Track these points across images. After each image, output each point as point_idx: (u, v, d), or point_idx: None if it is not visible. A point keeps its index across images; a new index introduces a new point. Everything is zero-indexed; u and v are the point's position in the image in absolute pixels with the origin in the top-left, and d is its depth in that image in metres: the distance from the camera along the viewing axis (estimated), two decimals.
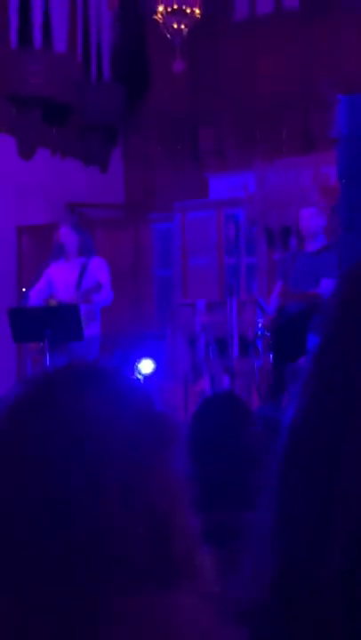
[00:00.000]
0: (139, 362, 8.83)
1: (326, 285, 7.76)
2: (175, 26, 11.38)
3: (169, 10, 11.36)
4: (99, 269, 8.24)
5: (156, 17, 11.51)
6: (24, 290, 8.18)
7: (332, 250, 8.28)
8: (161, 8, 11.39)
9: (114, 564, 1.15)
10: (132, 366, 8.70)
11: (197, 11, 11.44)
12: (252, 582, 0.82)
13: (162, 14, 11.41)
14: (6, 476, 1.18)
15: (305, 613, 0.77)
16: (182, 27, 11.39)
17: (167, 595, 1.16)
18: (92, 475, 1.16)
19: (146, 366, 8.82)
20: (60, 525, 1.15)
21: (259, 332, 8.40)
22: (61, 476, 1.16)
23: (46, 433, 1.18)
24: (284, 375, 7.79)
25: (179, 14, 11.36)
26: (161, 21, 11.46)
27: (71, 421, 1.19)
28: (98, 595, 1.14)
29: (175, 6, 11.32)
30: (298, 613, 0.78)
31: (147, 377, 8.68)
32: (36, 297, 8.18)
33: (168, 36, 11.53)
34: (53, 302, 8.08)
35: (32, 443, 1.18)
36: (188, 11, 11.36)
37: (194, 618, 1.14)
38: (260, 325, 8.39)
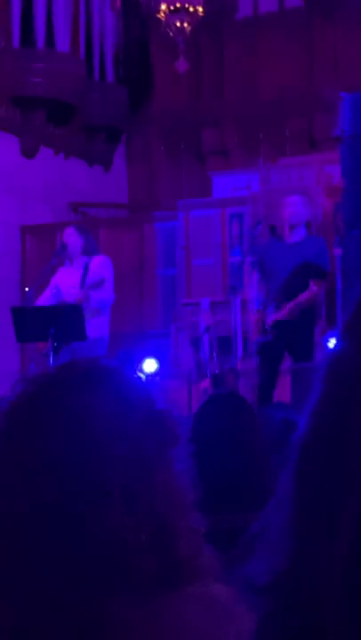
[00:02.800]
0: (142, 361, 8.81)
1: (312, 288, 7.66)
2: (178, 24, 11.37)
3: (172, 8, 11.35)
4: (102, 266, 8.23)
5: (158, 15, 11.50)
6: (27, 289, 8.17)
7: (313, 241, 8.12)
8: (164, 6, 11.38)
9: (119, 568, 1.14)
10: (135, 365, 8.69)
11: (200, 9, 11.43)
12: (268, 573, 0.84)
13: (165, 13, 11.40)
14: (7, 476, 1.17)
15: (308, 611, 0.78)
16: (185, 25, 11.37)
17: (172, 599, 1.14)
18: (95, 476, 1.15)
19: (149, 365, 8.81)
20: (63, 529, 1.14)
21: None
22: (63, 477, 1.15)
23: (47, 432, 1.17)
24: (273, 376, 7.69)
25: (182, 13, 11.35)
26: (164, 20, 11.45)
27: (72, 421, 1.17)
28: (104, 600, 1.13)
29: (178, 5, 11.30)
30: (301, 609, 0.78)
31: (150, 376, 8.67)
32: (45, 303, 8.17)
33: (171, 34, 11.52)
34: None
35: (33, 442, 1.17)
36: (191, 9, 11.35)
37: (199, 622, 1.13)
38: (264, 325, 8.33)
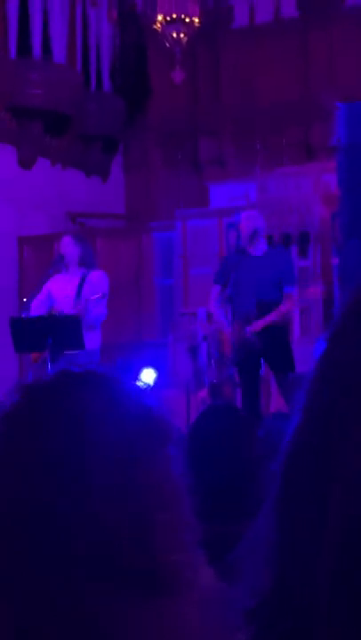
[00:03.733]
0: (140, 370, 8.82)
1: (289, 290, 7.72)
2: (175, 35, 11.40)
3: (168, 19, 11.38)
4: (100, 283, 8.18)
5: (155, 26, 11.53)
6: (25, 300, 8.16)
7: (277, 253, 8.25)
8: (160, 17, 11.41)
9: (115, 568, 1.15)
10: (133, 375, 8.69)
11: (196, 19, 11.46)
12: (254, 588, 0.84)
13: (161, 23, 11.43)
14: (4, 479, 1.18)
15: (298, 622, 0.78)
16: (182, 36, 11.41)
17: (166, 606, 1.15)
18: (89, 482, 1.16)
19: (147, 375, 8.82)
20: (60, 531, 1.15)
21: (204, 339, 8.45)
22: (59, 480, 1.16)
23: (44, 437, 1.18)
24: (256, 386, 7.73)
25: (178, 23, 11.39)
26: (160, 30, 11.48)
27: (66, 427, 1.18)
28: (103, 601, 1.13)
29: (174, 15, 11.34)
30: (293, 621, 0.79)
31: (148, 385, 8.67)
32: (36, 309, 8.16)
33: (167, 45, 11.55)
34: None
35: (30, 447, 1.18)
36: (188, 20, 11.39)
37: (193, 629, 1.13)
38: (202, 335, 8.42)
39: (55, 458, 1.16)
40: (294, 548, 0.79)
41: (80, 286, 8.04)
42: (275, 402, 8.54)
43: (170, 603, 1.14)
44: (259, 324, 7.57)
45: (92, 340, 8.00)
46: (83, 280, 8.07)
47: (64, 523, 1.15)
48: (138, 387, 1.29)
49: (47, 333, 7.49)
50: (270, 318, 7.56)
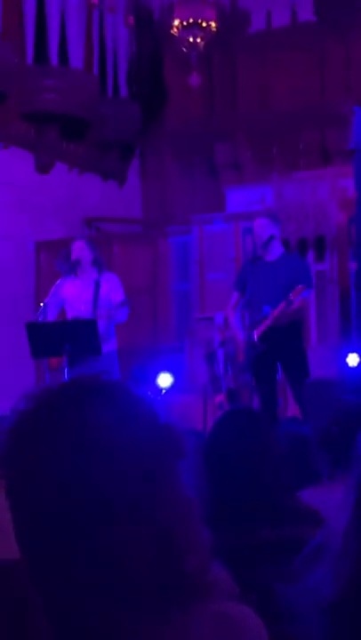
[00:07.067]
0: (157, 375, 8.81)
1: (306, 294, 7.68)
2: (191, 40, 11.40)
3: (185, 24, 11.38)
4: (115, 286, 8.18)
5: (171, 31, 11.53)
6: (42, 304, 8.14)
7: (292, 257, 8.22)
8: (177, 22, 11.42)
9: (125, 581, 1.14)
10: (150, 380, 8.69)
11: (213, 24, 11.46)
12: (333, 580, 0.86)
13: (177, 28, 11.43)
14: (12, 491, 1.17)
15: None
16: (198, 40, 11.41)
17: (182, 615, 1.14)
18: (99, 491, 1.15)
19: (164, 380, 8.81)
20: (68, 543, 1.14)
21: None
22: (66, 492, 1.15)
23: (50, 449, 1.17)
24: (272, 390, 7.72)
25: (195, 28, 11.39)
26: (177, 35, 11.48)
27: (75, 437, 1.17)
28: (112, 614, 1.12)
29: (191, 20, 11.34)
30: None
31: (165, 391, 8.66)
32: (50, 315, 8.15)
33: (184, 49, 11.55)
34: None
35: (36, 458, 1.17)
36: (204, 24, 11.39)
37: (209, 638, 1.12)
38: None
39: (60, 471, 1.15)
40: None
41: (96, 293, 8.04)
42: (292, 407, 8.52)
43: (182, 617, 1.13)
44: (261, 329, 7.55)
45: (109, 342, 8.01)
46: (97, 285, 8.06)
47: (71, 535, 1.14)
48: (145, 395, 1.27)
49: (64, 339, 7.48)
50: (269, 322, 7.53)
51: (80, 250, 8.25)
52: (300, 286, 7.43)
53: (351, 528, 0.85)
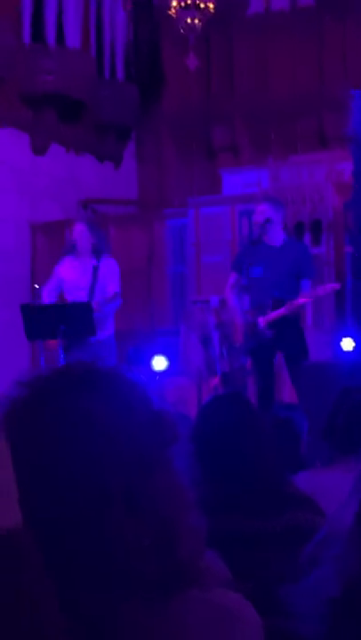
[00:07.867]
0: (152, 358, 8.81)
1: (306, 285, 7.70)
2: (189, 21, 11.35)
3: (183, 5, 11.33)
4: (111, 275, 8.13)
5: (169, 12, 11.48)
6: (37, 286, 8.13)
7: (296, 244, 8.28)
8: (175, 3, 11.36)
9: (121, 570, 1.13)
10: (145, 363, 8.69)
11: (211, 5, 11.40)
12: (336, 577, 0.86)
13: (175, 9, 11.38)
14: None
15: None
16: (196, 21, 11.36)
17: (178, 603, 1.14)
18: (94, 479, 1.14)
19: (159, 363, 8.81)
20: (64, 533, 1.13)
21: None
22: (61, 481, 1.14)
23: (44, 437, 1.16)
24: (270, 376, 7.74)
25: (193, 9, 11.33)
26: (175, 16, 11.43)
27: (68, 425, 1.16)
28: (109, 604, 1.12)
29: (189, 1, 11.29)
30: None
31: (160, 374, 8.66)
32: (47, 296, 8.15)
33: (182, 31, 11.50)
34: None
35: (30, 447, 1.16)
36: (202, 5, 11.33)
37: (205, 626, 1.12)
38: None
39: (54, 459, 1.14)
40: None
41: (94, 279, 7.99)
42: (288, 390, 8.52)
43: (178, 605, 1.13)
44: (272, 316, 7.54)
45: (107, 327, 8.01)
46: (95, 271, 8.02)
47: (66, 525, 1.13)
48: (138, 381, 1.26)
49: (58, 321, 7.48)
50: (284, 311, 7.54)
51: (79, 234, 8.20)
52: (328, 285, 7.59)
53: (356, 527, 0.85)
